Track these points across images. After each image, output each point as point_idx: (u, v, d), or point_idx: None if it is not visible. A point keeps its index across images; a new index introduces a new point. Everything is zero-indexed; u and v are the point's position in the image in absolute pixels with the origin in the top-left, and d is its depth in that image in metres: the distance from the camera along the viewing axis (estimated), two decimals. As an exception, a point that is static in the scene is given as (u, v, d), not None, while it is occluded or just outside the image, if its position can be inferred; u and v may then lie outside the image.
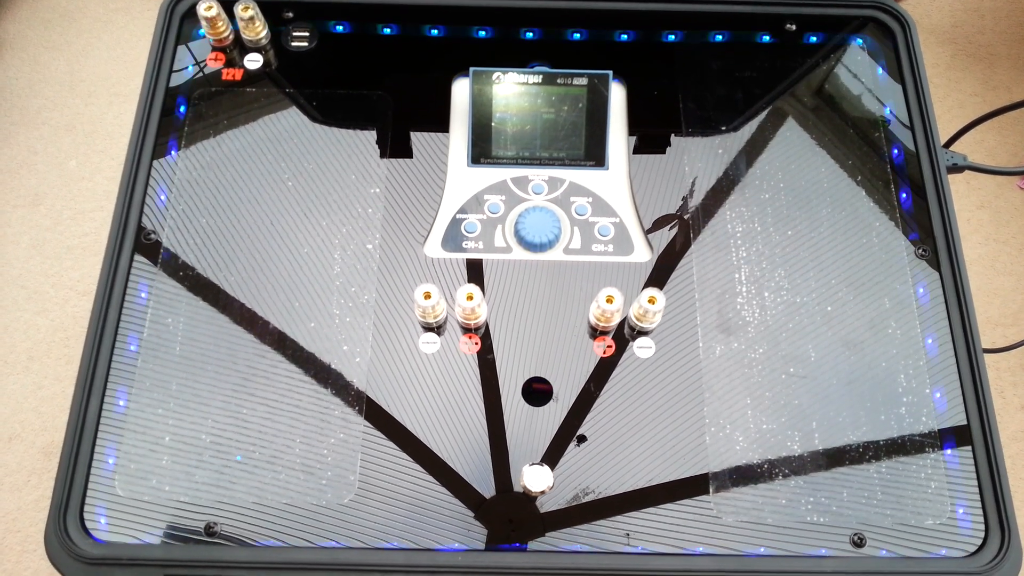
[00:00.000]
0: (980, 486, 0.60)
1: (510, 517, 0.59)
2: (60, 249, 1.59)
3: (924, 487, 0.60)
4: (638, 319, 0.64)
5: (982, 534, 0.59)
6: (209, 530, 0.58)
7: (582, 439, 0.61)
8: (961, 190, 1.58)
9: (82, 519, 0.58)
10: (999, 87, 1.70)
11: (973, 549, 0.58)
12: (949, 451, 0.61)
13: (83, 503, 0.59)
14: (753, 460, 0.60)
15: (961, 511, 0.60)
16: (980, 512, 0.59)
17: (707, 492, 0.60)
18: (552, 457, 0.61)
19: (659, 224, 0.69)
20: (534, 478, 0.59)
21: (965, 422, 0.62)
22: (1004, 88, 1.69)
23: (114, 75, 1.77)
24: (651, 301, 0.62)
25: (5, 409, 1.46)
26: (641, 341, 0.64)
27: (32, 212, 1.62)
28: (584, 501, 0.59)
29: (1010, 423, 1.43)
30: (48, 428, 1.45)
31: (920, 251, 0.67)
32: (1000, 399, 1.45)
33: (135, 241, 0.66)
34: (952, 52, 1.74)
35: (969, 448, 0.61)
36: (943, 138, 0.78)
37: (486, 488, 0.60)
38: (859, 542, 0.58)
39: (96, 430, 0.60)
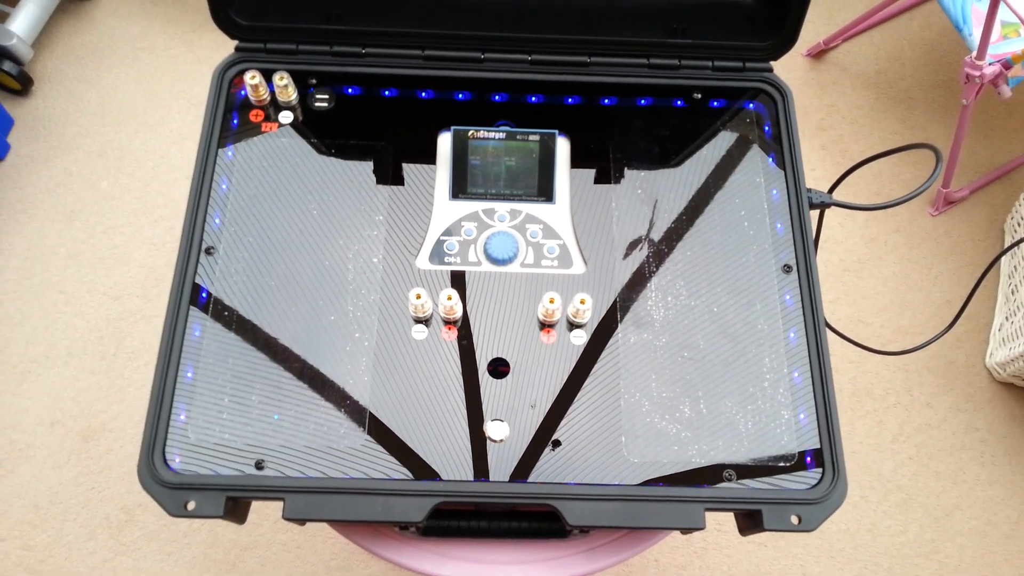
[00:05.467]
0: (820, 438, 0.78)
1: (477, 457, 0.76)
2: (93, 259, 1.69)
3: (780, 438, 0.78)
4: (573, 316, 0.80)
5: (820, 473, 0.76)
6: (258, 465, 0.75)
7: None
8: (879, 216, 1.75)
9: (164, 457, 0.75)
10: (916, 127, 1.86)
11: (813, 483, 0.76)
12: (802, 414, 0.79)
13: (164, 446, 0.75)
14: (655, 419, 0.78)
15: (808, 459, 0.78)
16: (820, 457, 0.77)
17: (621, 442, 0.77)
18: (509, 414, 0.78)
19: (594, 246, 0.86)
20: (495, 429, 0.78)
21: (811, 392, 0.80)
22: (920, 128, 1.85)
23: (140, 106, 1.87)
24: (582, 302, 0.78)
25: (48, 398, 1.56)
26: (576, 332, 0.80)
27: (68, 226, 1.73)
28: (531, 446, 0.77)
29: (917, 417, 1.61)
30: (85, 415, 1.55)
31: (786, 268, 0.87)
32: (908, 396, 1.62)
33: (198, 254, 0.83)
34: (875, 95, 1.91)
35: (813, 410, 0.80)
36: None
37: (461, 436, 0.77)
38: (730, 478, 0.76)
39: (173, 394, 0.77)
